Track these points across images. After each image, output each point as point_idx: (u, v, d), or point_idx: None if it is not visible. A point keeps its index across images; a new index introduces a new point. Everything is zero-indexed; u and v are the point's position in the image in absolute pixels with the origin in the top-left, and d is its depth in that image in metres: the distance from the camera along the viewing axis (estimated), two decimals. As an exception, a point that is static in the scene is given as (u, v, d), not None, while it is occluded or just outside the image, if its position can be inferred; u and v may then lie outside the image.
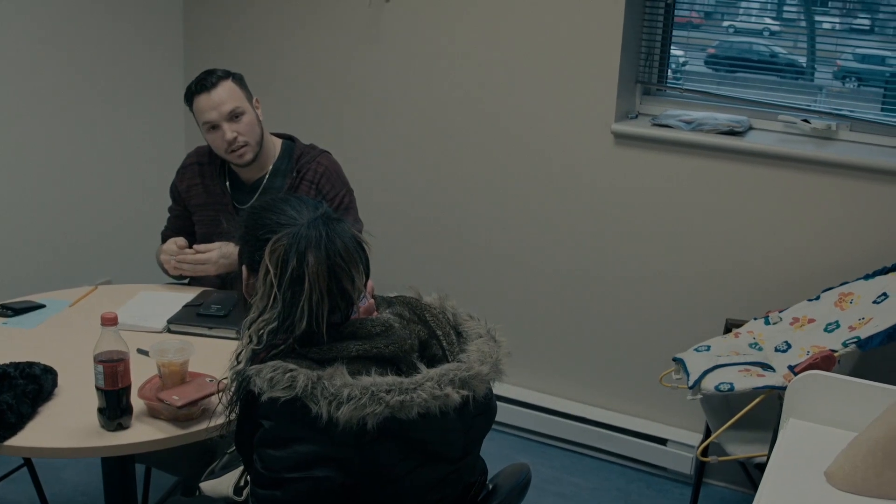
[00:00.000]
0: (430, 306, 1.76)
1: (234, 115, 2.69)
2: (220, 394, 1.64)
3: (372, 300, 1.71)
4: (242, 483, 1.77)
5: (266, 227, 1.63)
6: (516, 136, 3.44)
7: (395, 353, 1.59)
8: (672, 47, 3.38)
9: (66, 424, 1.95)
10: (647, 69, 3.38)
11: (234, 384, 1.58)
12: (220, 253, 2.70)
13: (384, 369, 1.56)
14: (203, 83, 2.70)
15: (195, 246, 2.75)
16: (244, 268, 1.69)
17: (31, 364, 2.06)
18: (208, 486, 1.81)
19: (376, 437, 1.49)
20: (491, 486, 1.82)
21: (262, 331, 1.57)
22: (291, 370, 1.50)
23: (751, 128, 3.23)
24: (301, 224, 1.60)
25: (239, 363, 1.61)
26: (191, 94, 2.73)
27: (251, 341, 1.59)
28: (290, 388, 1.48)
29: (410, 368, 1.59)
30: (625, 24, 3.17)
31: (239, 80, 2.76)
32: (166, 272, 2.81)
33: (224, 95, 2.69)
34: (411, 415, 1.50)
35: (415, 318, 1.70)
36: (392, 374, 1.55)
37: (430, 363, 1.64)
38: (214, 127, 2.70)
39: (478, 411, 1.65)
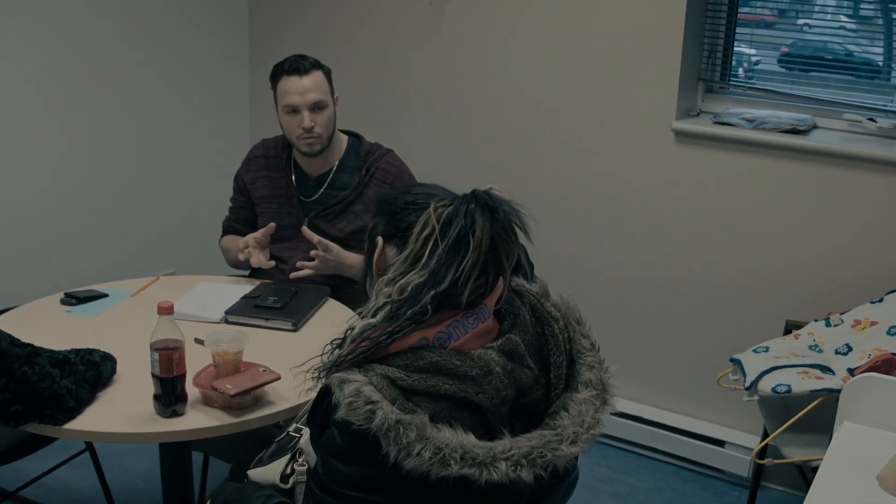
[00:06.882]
0: (553, 319, 1.72)
1: (317, 107, 2.74)
2: (317, 358, 1.58)
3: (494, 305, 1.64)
4: (289, 471, 1.79)
5: (409, 201, 1.65)
6: (575, 133, 3.42)
7: (484, 404, 1.51)
8: (745, 46, 3.32)
9: (123, 410, 2.00)
10: (709, 66, 3.34)
11: (317, 383, 1.55)
12: (339, 252, 2.69)
13: (472, 417, 1.50)
14: (296, 66, 2.73)
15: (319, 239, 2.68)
16: (379, 238, 1.68)
17: (91, 351, 2.11)
18: (256, 474, 1.83)
19: (439, 485, 1.44)
20: None
21: (409, 284, 1.53)
22: (373, 402, 1.43)
23: (815, 126, 3.17)
24: (457, 196, 1.59)
25: (374, 318, 1.54)
26: (280, 72, 2.76)
27: (398, 294, 1.53)
28: (367, 421, 1.43)
29: (498, 424, 1.52)
30: (686, 21, 3.13)
31: (328, 73, 2.81)
32: (233, 262, 2.89)
33: (313, 84, 2.73)
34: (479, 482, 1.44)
35: (531, 349, 1.63)
36: (479, 426, 1.50)
37: (525, 413, 1.58)
38: (295, 111, 2.73)
39: (554, 483, 1.58)
